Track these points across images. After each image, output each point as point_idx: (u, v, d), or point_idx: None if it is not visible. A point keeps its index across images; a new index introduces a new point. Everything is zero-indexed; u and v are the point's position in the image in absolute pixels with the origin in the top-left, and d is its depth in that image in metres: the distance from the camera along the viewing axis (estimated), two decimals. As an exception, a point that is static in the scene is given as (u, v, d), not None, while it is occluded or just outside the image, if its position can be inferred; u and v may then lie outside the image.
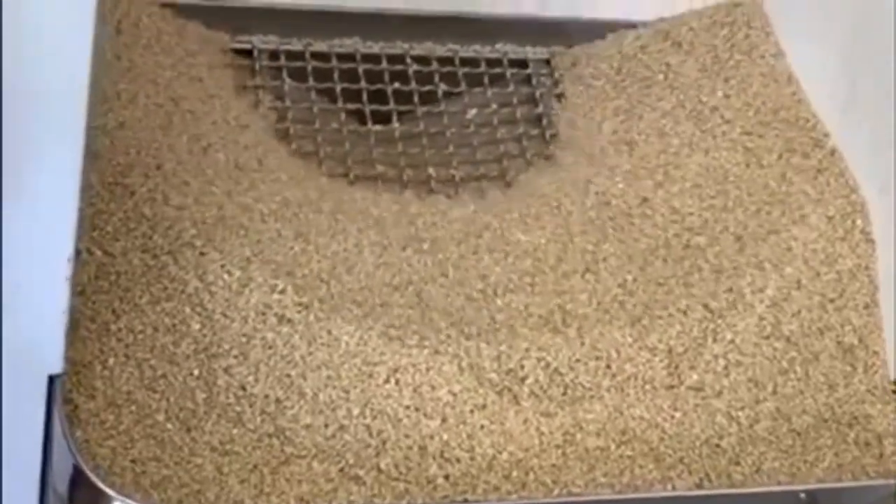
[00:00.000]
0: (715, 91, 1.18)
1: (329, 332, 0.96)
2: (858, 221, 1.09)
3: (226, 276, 0.97)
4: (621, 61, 1.24)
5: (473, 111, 1.23)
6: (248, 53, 1.21)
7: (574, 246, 1.07)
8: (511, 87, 1.25)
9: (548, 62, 1.28)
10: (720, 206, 1.11)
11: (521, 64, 1.28)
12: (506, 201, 1.14)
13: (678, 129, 1.16)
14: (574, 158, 1.18)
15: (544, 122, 1.23)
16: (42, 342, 0.86)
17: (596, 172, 1.15)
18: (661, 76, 1.21)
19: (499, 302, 1.02)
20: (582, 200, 1.12)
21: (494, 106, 1.23)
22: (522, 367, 0.98)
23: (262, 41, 1.22)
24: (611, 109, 1.21)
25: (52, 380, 0.89)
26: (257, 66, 1.20)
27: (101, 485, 0.88)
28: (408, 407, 0.95)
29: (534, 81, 1.26)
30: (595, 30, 1.29)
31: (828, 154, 1.12)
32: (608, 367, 0.99)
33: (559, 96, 1.24)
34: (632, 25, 1.28)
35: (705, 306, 1.03)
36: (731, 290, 1.04)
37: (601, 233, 1.09)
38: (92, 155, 1.00)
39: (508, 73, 1.26)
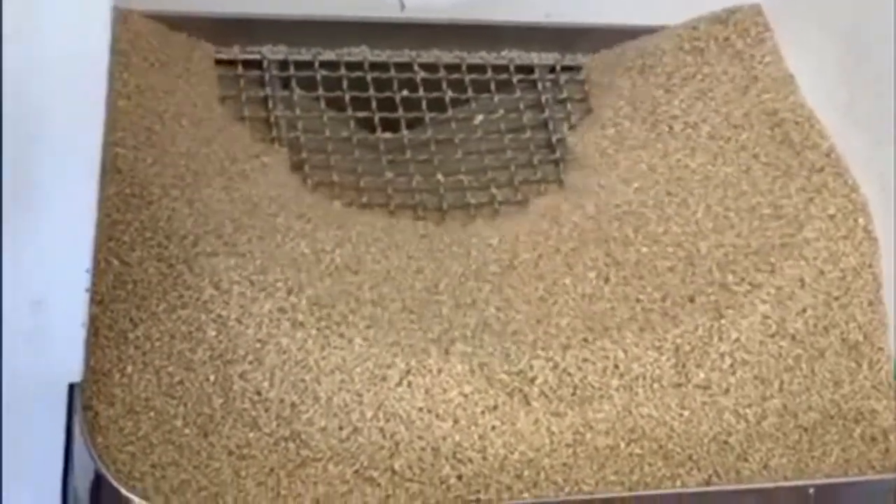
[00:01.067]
0: (712, 98, 1.19)
1: (342, 336, 0.98)
2: (860, 220, 1.10)
3: (240, 283, 0.99)
4: (620, 70, 1.26)
5: (480, 117, 1.25)
6: (258, 64, 1.23)
7: (570, 248, 1.09)
8: (517, 93, 1.27)
9: (553, 69, 1.29)
10: (711, 205, 1.12)
11: (528, 70, 1.29)
12: (512, 209, 1.16)
13: (667, 134, 1.18)
14: (578, 166, 1.20)
15: (550, 126, 1.25)
16: (62, 351, 0.88)
17: (595, 179, 1.17)
18: (659, 83, 1.23)
19: (503, 304, 1.04)
20: (580, 206, 1.14)
21: (501, 112, 1.25)
22: (531, 367, 0.99)
23: (272, 51, 1.24)
24: (614, 117, 1.22)
25: (72, 388, 0.91)
26: (267, 77, 1.22)
27: (121, 489, 0.90)
28: (420, 409, 0.97)
29: (539, 87, 1.28)
30: (600, 36, 1.31)
31: (824, 154, 1.14)
32: (616, 366, 1.01)
33: (563, 101, 1.26)
34: (636, 32, 1.29)
35: (704, 304, 1.04)
36: (731, 289, 1.06)
37: (596, 236, 1.10)
38: (111, 168, 1.02)
39: (515, 79, 1.28)
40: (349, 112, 1.22)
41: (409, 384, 0.97)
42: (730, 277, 1.07)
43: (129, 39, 1.14)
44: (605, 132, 1.21)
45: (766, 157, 1.14)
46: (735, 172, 1.14)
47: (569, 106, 1.26)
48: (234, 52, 1.23)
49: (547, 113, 1.26)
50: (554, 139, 1.24)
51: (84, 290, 0.84)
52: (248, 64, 1.23)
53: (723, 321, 1.04)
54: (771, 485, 1.03)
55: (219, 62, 1.22)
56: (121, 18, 1.14)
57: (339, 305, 1.00)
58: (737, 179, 1.13)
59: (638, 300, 1.05)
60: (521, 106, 1.26)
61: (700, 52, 1.23)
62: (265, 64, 1.23)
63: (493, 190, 1.19)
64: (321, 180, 1.16)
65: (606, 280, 1.07)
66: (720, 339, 1.04)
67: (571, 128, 1.24)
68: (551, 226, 1.12)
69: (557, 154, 1.23)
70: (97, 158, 0.78)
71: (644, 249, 1.09)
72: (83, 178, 0.78)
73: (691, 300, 1.05)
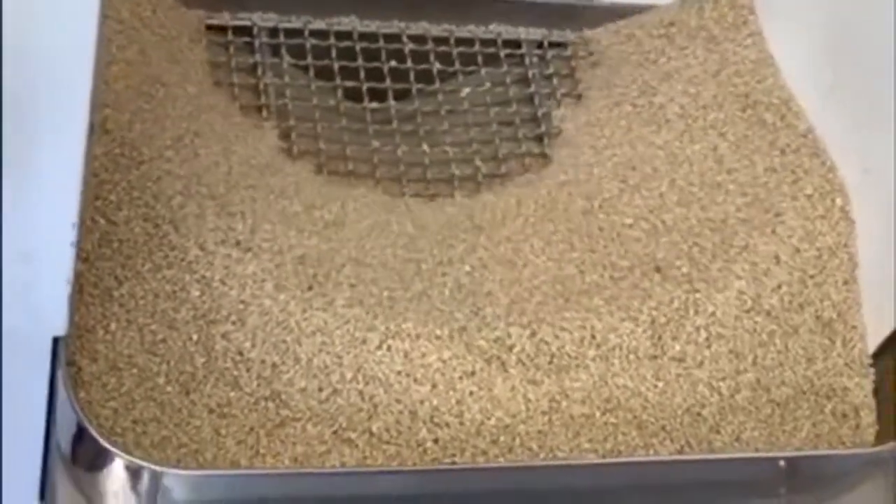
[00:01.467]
0: (686, 79, 1.21)
1: (324, 297, 0.99)
2: (838, 200, 1.12)
3: (225, 244, 1.00)
4: (604, 48, 1.28)
5: (467, 90, 1.26)
6: (248, 31, 1.24)
7: (550, 223, 1.11)
8: (504, 68, 1.28)
9: (540, 44, 1.31)
10: (687, 185, 1.14)
11: (515, 45, 1.31)
12: (494, 184, 1.18)
13: (634, 113, 1.21)
14: (561, 140, 1.22)
15: (536, 101, 1.26)
16: (47, 306, 0.89)
17: (574, 154, 1.19)
18: (638, 64, 1.25)
19: (485, 274, 1.05)
20: (552, 178, 1.15)
21: (488, 85, 1.27)
22: (510, 335, 1.01)
23: (262, 18, 1.25)
24: (595, 94, 1.25)
25: (56, 342, 0.92)
26: (257, 44, 1.23)
27: (103, 443, 0.91)
28: (399, 372, 0.99)
29: (527, 62, 1.29)
30: (589, 13, 1.32)
31: (800, 135, 1.15)
32: (593, 336, 1.03)
33: (549, 77, 1.28)
34: (625, 10, 1.31)
35: (677, 277, 1.06)
36: (704, 263, 1.07)
37: (562, 206, 1.13)
38: (100, 129, 1.03)
39: (502, 53, 1.29)
40: (337, 81, 1.23)
41: (389, 348, 0.99)
42: (696, 252, 1.08)
43: (130, 9, 1.15)
44: (585, 109, 1.24)
45: (735, 137, 1.16)
46: (703, 149, 1.16)
47: (555, 81, 1.28)
48: (225, 19, 1.24)
49: (533, 88, 1.27)
50: (539, 114, 1.25)
51: (70, 244, 0.85)
52: (238, 30, 1.24)
53: (698, 295, 1.06)
54: (742, 455, 1.05)
55: (209, 28, 1.23)
56: None
57: (322, 266, 1.01)
58: (703, 157, 1.15)
59: (605, 266, 1.07)
60: (508, 80, 1.28)
61: (680, 34, 1.25)
62: (255, 31, 1.24)
63: (478, 162, 1.21)
64: (307, 148, 1.17)
65: (572, 246, 1.09)
66: (696, 312, 1.05)
67: (557, 103, 1.26)
68: (522, 194, 1.14)
69: (542, 128, 1.24)
70: (86, 115, 0.80)
71: (615, 218, 1.11)
72: (72, 132, 0.80)
73: (658, 270, 1.07)
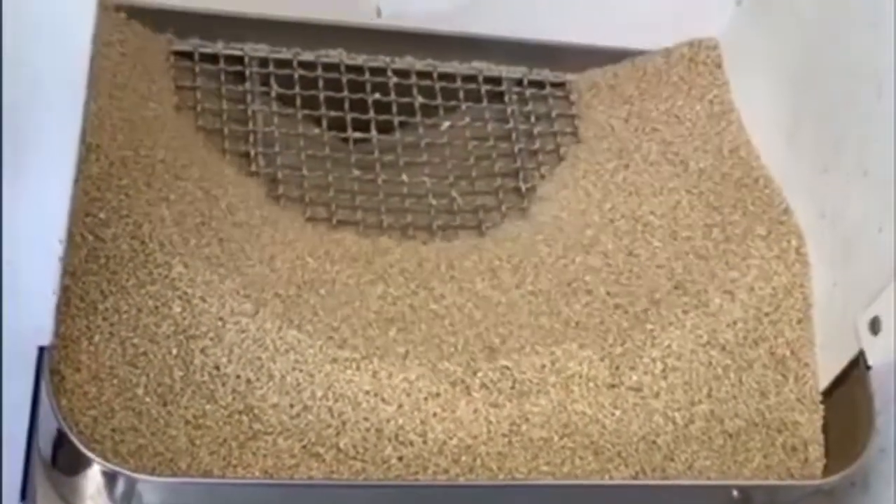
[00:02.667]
0: (654, 129, 1.27)
1: (299, 317, 1.04)
2: (793, 241, 1.17)
3: (207, 264, 1.04)
4: (578, 92, 1.34)
5: (447, 124, 1.31)
6: (239, 60, 1.29)
7: (514, 259, 1.16)
8: (484, 103, 1.33)
9: (520, 82, 1.36)
10: (646, 226, 1.19)
11: (496, 82, 1.35)
12: (468, 216, 1.23)
13: (604, 155, 1.27)
14: (533, 177, 1.27)
15: (513, 137, 1.31)
16: (34, 316, 0.92)
17: (545, 194, 1.24)
18: (604, 110, 1.31)
19: (453, 307, 1.10)
20: (526, 218, 1.22)
21: (467, 119, 1.31)
22: (475, 360, 1.05)
23: (253, 49, 1.30)
24: (568, 134, 1.31)
25: (41, 351, 0.95)
26: (248, 73, 1.28)
27: (82, 449, 0.94)
28: (367, 392, 1.03)
29: (506, 99, 1.34)
30: (567, 55, 1.37)
31: (753, 181, 1.20)
32: (554, 364, 1.07)
33: (528, 115, 1.33)
34: (602, 53, 1.36)
35: (636, 310, 1.11)
36: (661, 301, 1.12)
37: (540, 247, 1.18)
38: (96, 149, 1.08)
39: (483, 89, 1.34)
40: (322, 111, 1.27)
41: (359, 367, 1.03)
42: (654, 286, 1.13)
43: (127, 38, 1.20)
44: (559, 147, 1.30)
45: (697, 186, 1.21)
46: (666, 199, 1.21)
47: (532, 119, 1.33)
48: (218, 48, 1.29)
49: (511, 124, 1.32)
50: (516, 149, 1.30)
51: (57, 258, 0.89)
52: (229, 59, 1.28)
53: (653, 326, 1.10)
54: (696, 483, 1.08)
55: (202, 57, 1.27)
56: (122, 20, 1.20)
57: (298, 287, 1.06)
58: (667, 207, 1.20)
59: (565, 297, 1.12)
60: (488, 116, 1.32)
61: (649, 83, 1.30)
62: (246, 60, 1.29)
63: (454, 194, 1.25)
64: (290, 176, 1.22)
65: (535, 277, 1.14)
66: (653, 344, 1.10)
67: (533, 140, 1.31)
68: (493, 231, 1.19)
69: (518, 164, 1.29)
70: (78, 132, 0.83)
71: (578, 252, 1.16)
72: (64, 149, 0.84)
73: (617, 305, 1.11)
